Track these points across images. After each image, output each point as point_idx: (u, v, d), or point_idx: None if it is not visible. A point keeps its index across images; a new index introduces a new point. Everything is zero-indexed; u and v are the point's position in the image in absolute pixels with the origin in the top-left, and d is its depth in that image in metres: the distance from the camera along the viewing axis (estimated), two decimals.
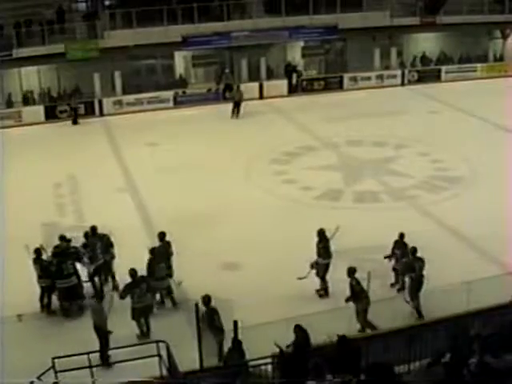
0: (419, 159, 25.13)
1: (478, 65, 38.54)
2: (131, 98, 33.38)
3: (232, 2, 34.60)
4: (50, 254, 15.74)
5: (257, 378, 11.00)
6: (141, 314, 14.50)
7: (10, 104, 32.44)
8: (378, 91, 35.69)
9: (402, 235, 16.19)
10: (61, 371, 11.24)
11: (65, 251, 15.80)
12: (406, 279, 15.35)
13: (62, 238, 16.32)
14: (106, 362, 13.11)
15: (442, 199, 21.65)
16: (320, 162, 24.99)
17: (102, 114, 32.62)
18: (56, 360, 11.36)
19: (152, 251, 15.43)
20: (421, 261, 15.03)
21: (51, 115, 31.85)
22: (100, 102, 32.82)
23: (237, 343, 11.74)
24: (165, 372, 11.89)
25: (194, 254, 17.02)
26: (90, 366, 11.56)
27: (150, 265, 15.20)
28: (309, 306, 14.90)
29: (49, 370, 11.17)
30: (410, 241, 18.24)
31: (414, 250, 15.29)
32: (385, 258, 16.18)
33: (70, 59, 31.79)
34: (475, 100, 32.16)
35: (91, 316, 13.79)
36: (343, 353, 10.57)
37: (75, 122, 31.74)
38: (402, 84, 37.18)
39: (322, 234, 16.13)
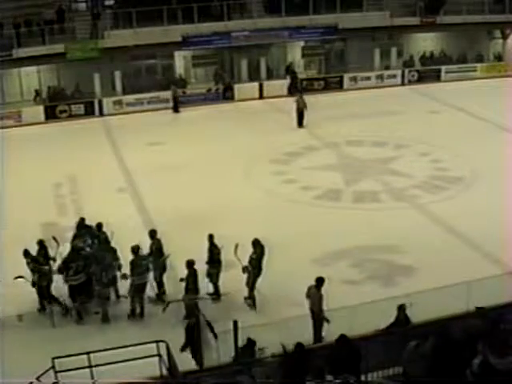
0: (419, 159, 25.14)
1: (478, 65, 38.58)
2: (131, 98, 33.41)
3: (232, 1, 34.65)
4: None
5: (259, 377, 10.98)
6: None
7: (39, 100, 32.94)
8: (378, 91, 35.69)
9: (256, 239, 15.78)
10: (61, 371, 11.22)
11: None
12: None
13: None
14: (319, 339, 13.37)
15: (442, 199, 21.65)
16: (320, 162, 25.01)
17: (101, 114, 32.64)
18: (56, 360, 11.34)
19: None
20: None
21: (51, 115, 31.87)
22: (100, 102, 32.84)
23: (249, 343, 11.74)
24: (165, 372, 11.88)
25: (194, 254, 16.96)
26: (90, 366, 11.53)
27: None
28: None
29: (49, 370, 11.14)
30: (409, 240, 18.37)
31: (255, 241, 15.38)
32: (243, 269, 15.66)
33: (70, 59, 31.81)
34: (475, 100, 32.17)
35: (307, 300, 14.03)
36: (342, 352, 10.57)
37: (176, 111, 32.48)
38: (402, 84, 37.21)
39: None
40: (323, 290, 13.86)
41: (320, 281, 13.88)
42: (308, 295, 14.06)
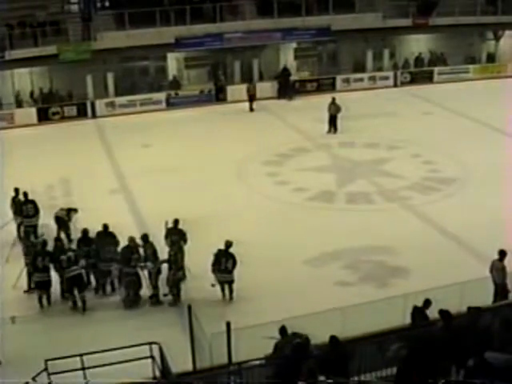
0: (412, 160, 25.19)
1: (471, 66, 38.67)
2: (124, 99, 33.36)
3: (225, 3, 34.62)
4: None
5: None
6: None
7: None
8: (371, 92, 35.73)
9: (176, 221, 17.13)
10: (54, 373, 11.19)
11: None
12: None
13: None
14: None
15: (435, 200, 21.70)
16: (313, 164, 25.02)
17: (94, 116, 32.58)
18: (49, 362, 11.32)
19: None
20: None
21: (43, 117, 31.80)
22: (92, 104, 32.78)
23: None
24: (158, 374, 11.86)
25: (188, 255, 16.98)
26: (83, 368, 11.51)
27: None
28: (305, 307, 14.90)
29: (41, 372, 11.12)
30: (402, 241, 18.42)
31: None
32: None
33: (63, 61, 31.74)
34: (468, 101, 32.28)
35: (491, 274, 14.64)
36: (334, 353, 10.59)
37: (251, 109, 32.86)
38: (395, 85, 37.26)
39: None
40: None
41: (502, 253, 14.66)
42: (491, 269, 14.76)
